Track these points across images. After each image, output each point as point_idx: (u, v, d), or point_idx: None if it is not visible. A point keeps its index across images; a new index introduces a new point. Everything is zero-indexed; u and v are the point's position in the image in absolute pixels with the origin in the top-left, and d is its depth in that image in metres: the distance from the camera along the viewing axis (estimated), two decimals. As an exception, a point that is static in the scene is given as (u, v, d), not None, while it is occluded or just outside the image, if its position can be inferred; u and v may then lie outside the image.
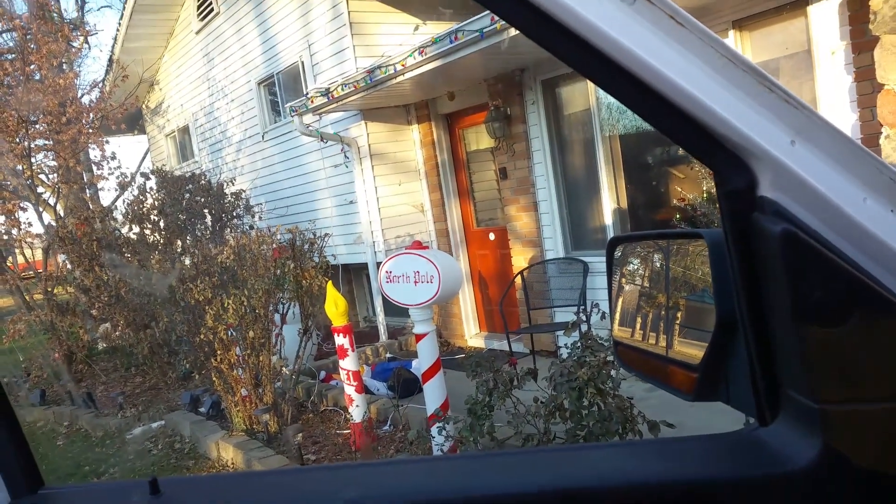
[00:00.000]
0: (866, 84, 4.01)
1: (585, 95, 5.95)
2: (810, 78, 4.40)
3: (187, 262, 5.76)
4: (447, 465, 0.83)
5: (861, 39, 4.01)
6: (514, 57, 5.69)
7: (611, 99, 5.79)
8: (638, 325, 1.04)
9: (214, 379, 5.42)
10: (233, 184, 9.10)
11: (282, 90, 8.96)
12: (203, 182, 8.82)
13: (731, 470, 0.71)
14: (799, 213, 0.65)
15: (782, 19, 4.53)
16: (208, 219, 8.57)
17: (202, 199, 8.57)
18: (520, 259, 6.71)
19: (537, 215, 6.50)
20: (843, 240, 0.65)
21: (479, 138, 7.18)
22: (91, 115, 10.67)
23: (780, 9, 4.48)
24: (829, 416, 0.64)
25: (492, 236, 7.34)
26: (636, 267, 1.11)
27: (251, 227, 8.15)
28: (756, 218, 0.67)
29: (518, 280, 6.57)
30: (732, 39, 4.73)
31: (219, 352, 5.20)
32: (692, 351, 0.87)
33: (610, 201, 5.97)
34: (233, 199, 8.75)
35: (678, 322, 0.93)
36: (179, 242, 8.02)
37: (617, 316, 1.09)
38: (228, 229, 8.48)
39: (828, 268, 0.64)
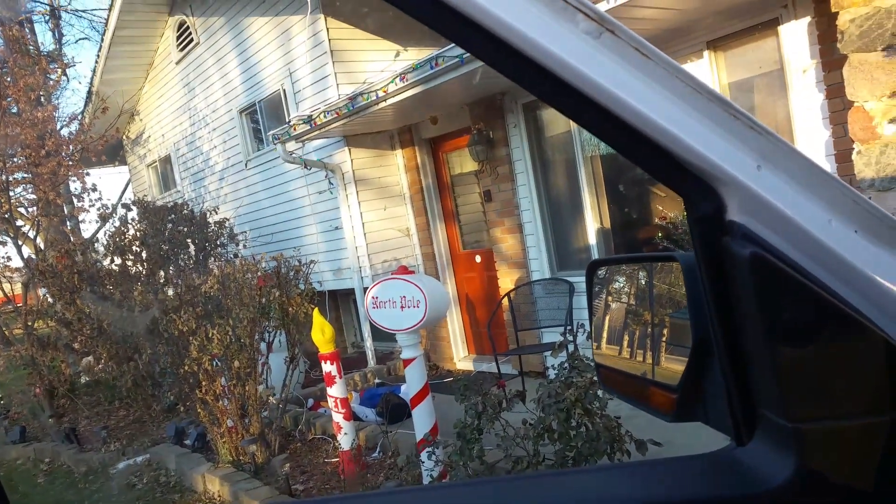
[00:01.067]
0: (837, 101, 4.10)
1: (565, 118, 6.01)
2: (784, 96, 4.49)
3: (170, 292, 5.71)
4: (425, 496, 0.83)
5: (831, 58, 4.10)
6: (495, 81, 5.75)
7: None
8: (618, 348, 1.05)
9: (199, 410, 5.35)
10: (216, 212, 9.06)
11: (264, 118, 8.99)
12: (185, 211, 8.77)
13: (709, 490, 0.72)
14: (767, 235, 0.67)
15: (755, 39, 4.63)
16: (191, 248, 8.52)
17: (185, 229, 8.52)
18: (506, 280, 6.72)
19: (522, 237, 6.53)
20: (810, 261, 0.67)
21: (463, 162, 7.23)
22: (70, 147, 10.63)
23: (753, 29, 4.57)
24: (803, 435, 0.66)
25: (478, 258, 7.36)
26: (615, 290, 1.13)
27: (235, 256, 8.11)
28: (726, 242, 0.68)
29: (505, 302, 6.58)
30: (707, 60, 4.82)
31: (204, 382, 5.14)
32: (671, 372, 0.88)
33: (593, 221, 6.01)
34: (216, 228, 8.71)
35: (657, 344, 0.94)
36: (162, 273, 7.96)
37: (597, 338, 1.10)
38: (212, 258, 8.43)
39: (796, 289, 0.65)
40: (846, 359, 0.66)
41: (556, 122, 6.19)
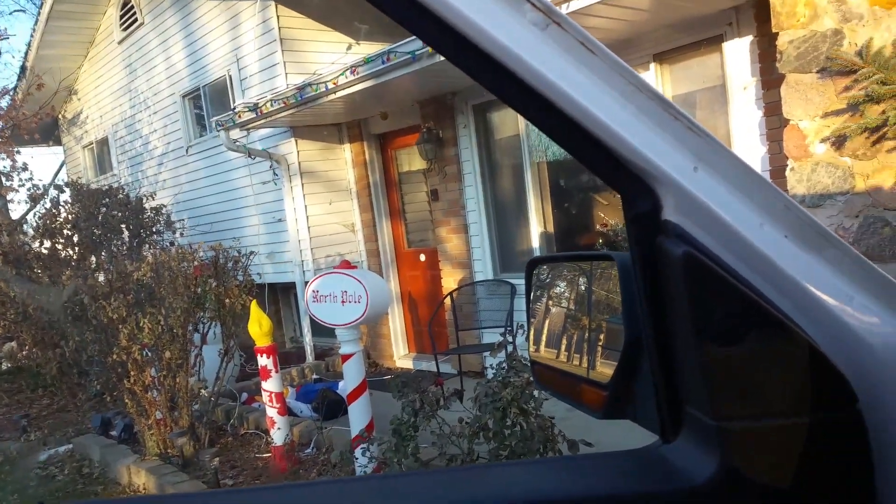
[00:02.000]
0: (775, 119, 4.25)
1: (515, 121, 6.06)
2: (725, 111, 4.63)
3: (101, 278, 5.49)
4: (355, 488, 0.82)
5: (770, 77, 4.25)
6: (446, 80, 5.76)
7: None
8: (553, 345, 1.06)
9: (127, 401, 5.17)
10: (153, 198, 8.79)
11: (208, 104, 8.76)
12: (121, 196, 8.48)
13: (634, 486, 0.72)
14: (700, 236, 0.68)
15: (700, 54, 4.76)
16: (126, 234, 8.24)
17: (120, 214, 8.24)
18: (450, 280, 6.73)
19: (467, 237, 6.55)
20: (741, 262, 0.68)
21: (412, 160, 7.21)
22: (0, 122, 10.12)
23: (698, 44, 4.70)
24: (727, 433, 0.66)
25: (422, 257, 7.34)
26: (553, 288, 1.13)
27: (172, 244, 7.88)
28: (660, 241, 0.69)
29: (447, 301, 6.58)
30: (653, 72, 4.93)
31: (132, 372, 4.97)
32: (604, 370, 0.89)
33: (537, 225, 6.08)
34: (153, 215, 8.45)
35: (591, 342, 0.95)
36: (94, 258, 7.67)
37: (534, 336, 1.10)
38: (147, 245, 8.18)
39: (725, 290, 0.66)
40: (771, 360, 0.67)
41: (505, 125, 6.23)
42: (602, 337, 0.91)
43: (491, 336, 6.12)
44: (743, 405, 0.67)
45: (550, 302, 1.12)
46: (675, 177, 0.68)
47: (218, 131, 7.41)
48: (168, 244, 8.01)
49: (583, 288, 1.03)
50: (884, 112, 3.52)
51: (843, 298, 0.69)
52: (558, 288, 1.13)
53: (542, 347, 1.08)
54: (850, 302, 0.69)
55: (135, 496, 4.60)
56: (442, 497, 0.75)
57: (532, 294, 1.12)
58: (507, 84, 0.66)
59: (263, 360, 4.67)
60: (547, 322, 1.09)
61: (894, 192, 3.63)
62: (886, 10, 3.55)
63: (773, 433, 0.67)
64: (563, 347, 1.02)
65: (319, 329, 7.06)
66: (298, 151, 7.41)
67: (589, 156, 0.69)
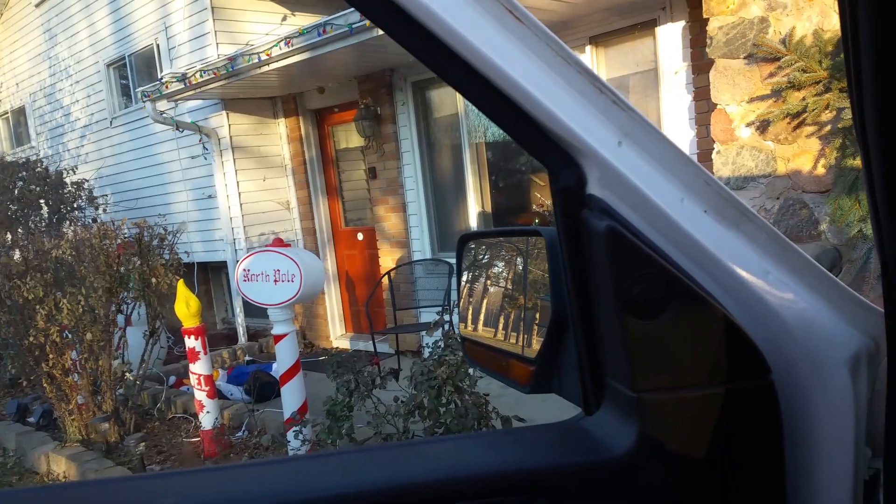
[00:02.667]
0: (703, 103, 4.37)
1: (454, 100, 6.04)
2: (656, 95, 4.73)
3: (17, 256, 5.21)
4: (276, 469, 0.79)
5: (700, 62, 4.36)
6: (385, 56, 5.67)
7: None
8: (483, 321, 1.05)
9: (46, 385, 4.93)
10: (74, 172, 8.39)
11: (134, 74, 8.38)
12: (40, 169, 8.06)
13: (556, 458, 0.72)
14: (623, 210, 0.68)
15: (634, 38, 4.84)
16: (44, 210, 7.84)
17: (38, 188, 7.83)
18: (388, 259, 6.69)
19: (406, 216, 6.52)
20: (662, 237, 0.68)
21: (349, 136, 7.10)
22: None
23: (633, 28, 4.78)
24: (645, 404, 0.67)
25: (360, 236, 7.27)
26: (483, 264, 1.13)
27: (94, 220, 7.55)
28: (585, 215, 0.68)
29: (385, 280, 6.55)
30: (589, 55, 4.99)
31: (51, 356, 4.75)
32: (532, 346, 0.89)
33: (475, 205, 6.10)
34: (74, 189, 8.06)
35: (520, 318, 0.95)
36: (9, 235, 7.28)
37: (464, 312, 1.10)
38: (67, 222, 7.81)
39: (646, 264, 0.67)
40: (689, 333, 0.68)
41: (444, 103, 6.20)
42: (530, 313, 0.91)
43: (428, 315, 6.13)
44: (661, 377, 0.68)
45: (481, 278, 1.12)
46: (599, 151, 0.67)
47: (144, 102, 7.10)
48: (90, 221, 7.67)
49: (512, 264, 1.03)
50: (804, 99, 3.67)
51: (760, 273, 0.70)
52: (488, 264, 1.13)
53: (472, 323, 1.07)
54: (765, 276, 0.70)
55: (55, 483, 4.42)
56: (371, 474, 0.74)
57: (462, 270, 1.11)
58: (434, 50, 0.64)
59: (191, 342, 4.55)
60: (477, 298, 1.09)
61: (812, 175, 3.80)
62: (808, 1, 3.69)
63: (690, 404, 0.68)
64: (493, 323, 1.02)
65: (252, 310, 6.91)
66: (230, 125, 7.18)
67: (516, 127, 0.68)
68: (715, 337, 0.68)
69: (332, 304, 7.55)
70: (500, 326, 1.00)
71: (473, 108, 5.75)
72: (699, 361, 0.68)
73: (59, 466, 4.64)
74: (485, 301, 1.08)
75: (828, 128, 3.68)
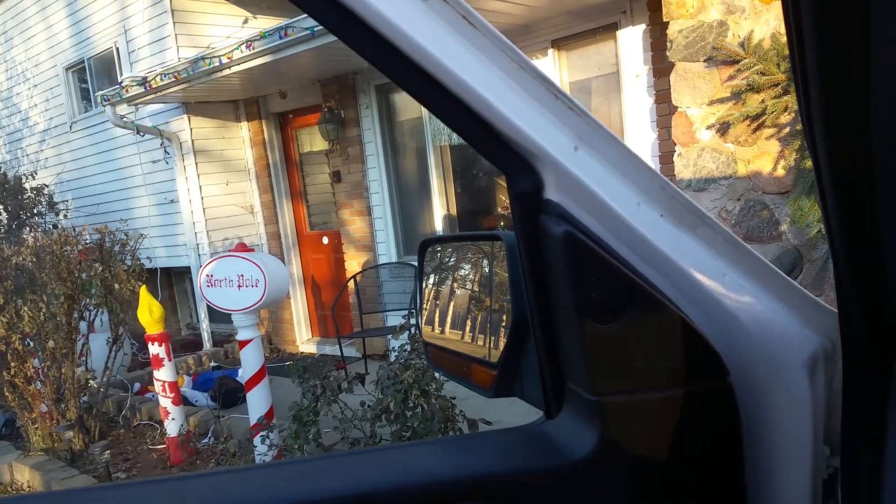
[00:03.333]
0: (664, 106, 4.44)
1: (418, 104, 6.01)
2: (618, 98, 4.79)
3: (-26, 264, 5.07)
4: (238, 477, 0.78)
5: (661, 65, 4.43)
6: (347, 59, 5.65)
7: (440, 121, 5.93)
8: (446, 326, 1.05)
9: (8, 394, 4.83)
10: (34, 178, 8.18)
11: (94, 77, 8.21)
12: (-3, 175, 7.85)
13: (518, 463, 0.73)
14: (580, 215, 0.68)
15: (596, 41, 4.89)
16: (3, 216, 7.64)
17: (-5, 194, 7.62)
18: (353, 263, 6.66)
19: (371, 220, 6.49)
20: (619, 241, 0.69)
21: (313, 140, 7.04)
22: None
23: (595, 31, 4.83)
24: (605, 408, 0.68)
25: (325, 240, 7.22)
26: (448, 267, 1.13)
27: (55, 226, 7.37)
28: (542, 220, 0.69)
29: (351, 284, 6.51)
30: (552, 58, 5.03)
31: (13, 364, 4.65)
32: (494, 350, 0.89)
33: (441, 208, 6.10)
34: (33, 195, 7.87)
35: (482, 322, 0.95)
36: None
37: (427, 317, 1.10)
38: (27, 228, 7.61)
39: (604, 268, 0.67)
40: (648, 336, 0.69)
41: (408, 107, 6.20)
42: (496, 315, 0.91)
43: (395, 319, 6.10)
44: (620, 380, 0.68)
45: (442, 283, 1.12)
46: (556, 156, 0.68)
47: (104, 106, 6.95)
48: (51, 227, 7.49)
49: (478, 267, 1.03)
50: (763, 101, 3.75)
51: (716, 276, 0.71)
52: (453, 267, 1.13)
53: (436, 328, 1.07)
54: (722, 279, 0.71)
55: (17, 495, 4.30)
56: (334, 481, 0.73)
57: (425, 275, 1.11)
58: (389, 57, 0.64)
59: (155, 349, 4.47)
60: (439, 303, 1.09)
61: (772, 177, 3.89)
62: (765, 5, 3.77)
63: (649, 406, 0.69)
64: (456, 328, 1.02)
65: (217, 315, 6.82)
66: (192, 129, 7.07)
67: (473, 134, 0.68)
68: (673, 340, 0.69)
69: (298, 309, 7.48)
70: (467, 329, 1.01)
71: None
72: (658, 364, 0.69)
73: (23, 475, 4.54)
74: (446, 306, 1.08)
75: (787, 130, 3.77)
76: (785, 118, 3.73)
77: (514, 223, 0.73)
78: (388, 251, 6.47)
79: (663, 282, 0.70)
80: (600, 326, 0.67)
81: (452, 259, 1.12)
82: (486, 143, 0.69)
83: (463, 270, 1.09)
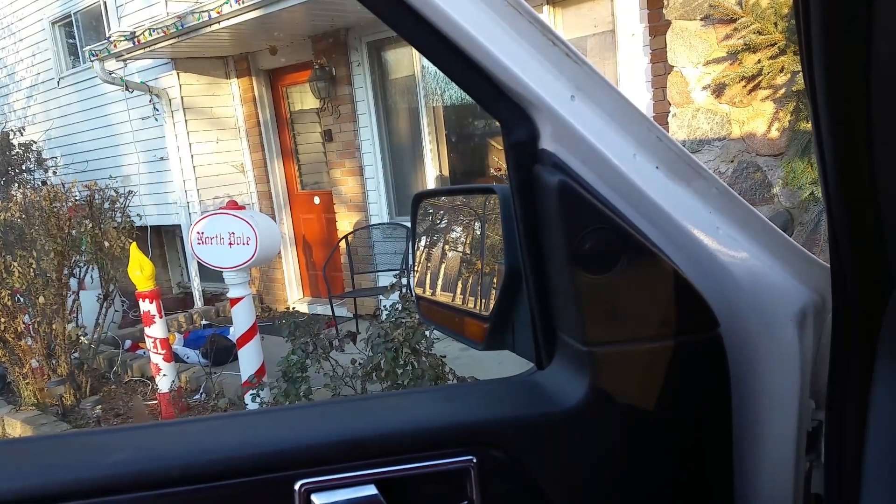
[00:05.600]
0: (660, 66, 4.39)
1: (411, 61, 5.95)
2: (613, 57, 4.73)
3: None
4: (228, 422, 0.79)
5: (657, 23, 4.37)
6: (339, 14, 5.54)
7: (435, 68, 5.85)
8: (438, 279, 1.05)
9: (-2, 350, 4.85)
10: (21, 134, 8.06)
11: (81, 32, 8.03)
12: (-17, 130, 7.73)
13: (509, 411, 0.73)
14: (575, 165, 0.68)
15: (592, -1, 4.81)
16: (-10, 172, 7.55)
17: (-18, 150, 7.52)
18: (345, 223, 6.64)
19: (363, 180, 6.45)
20: (614, 192, 0.68)
21: (304, 98, 6.95)
22: None
23: (591, -12, 4.74)
24: (596, 358, 0.68)
25: (317, 200, 7.18)
26: (437, 222, 1.12)
27: (43, 183, 7.29)
28: (537, 169, 0.68)
29: (342, 244, 6.50)
30: (547, 15, 4.95)
31: (3, 319, 4.66)
32: (486, 303, 0.89)
33: (433, 168, 6.06)
34: (21, 152, 7.77)
35: (475, 275, 0.95)
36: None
37: (419, 270, 1.09)
38: (16, 184, 7.53)
39: (598, 219, 0.67)
40: (639, 287, 0.69)
41: (400, 65, 6.11)
42: (487, 277, 0.91)
43: (386, 279, 6.12)
44: (612, 330, 0.69)
45: (435, 236, 1.11)
46: (552, 105, 0.67)
47: (92, 62, 6.82)
48: (40, 183, 7.42)
49: (470, 228, 1.02)
50: (759, 61, 3.72)
51: (710, 229, 0.71)
52: (446, 228, 1.12)
53: (428, 281, 1.07)
54: (715, 232, 0.71)
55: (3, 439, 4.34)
56: (322, 427, 0.74)
57: (417, 228, 1.10)
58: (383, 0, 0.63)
59: (146, 306, 4.47)
60: (432, 256, 1.09)
61: (766, 138, 3.87)
62: (765, -37, 3.70)
63: (640, 356, 0.69)
64: (447, 281, 1.02)
65: (208, 273, 6.81)
66: (181, 85, 6.95)
67: (468, 80, 0.67)
68: (665, 291, 0.69)
69: (290, 269, 7.48)
70: (455, 284, 1.01)
71: (431, 69, 5.64)
72: (649, 315, 0.69)
73: (15, 430, 4.58)
74: (439, 259, 1.08)
75: (782, 91, 3.74)
76: (781, 79, 3.70)
77: (508, 173, 0.72)
78: (379, 211, 6.44)
79: (657, 233, 0.70)
80: (593, 277, 0.67)
81: (448, 218, 1.12)
82: (481, 91, 0.67)
83: (456, 228, 1.08)
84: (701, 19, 3.93)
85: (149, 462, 0.68)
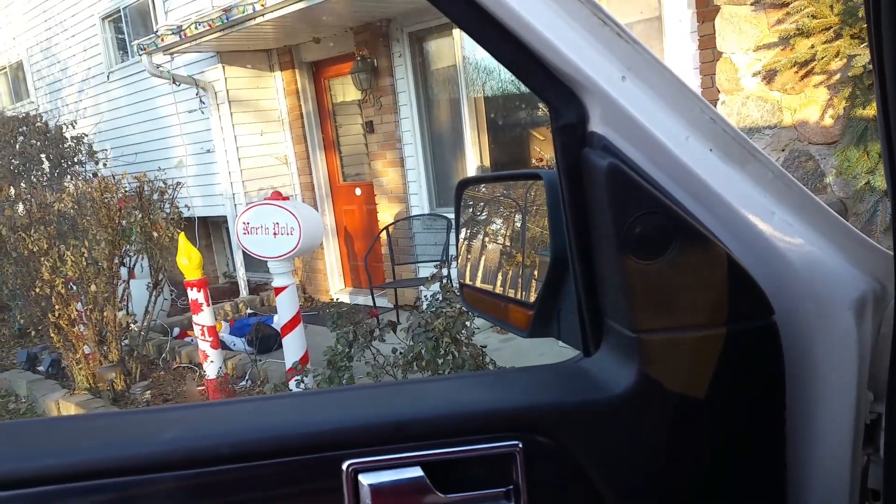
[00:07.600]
0: (708, 52, 4.28)
1: (452, 52, 5.93)
2: (660, 44, 4.63)
3: (21, 209, 5.22)
4: (277, 403, 0.80)
5: (705, 9, 4.26)
6: (381, 5, 5.56)
7: (477, 57, 5.82)
8: (482, 266, 1.05)
9: (53, 336, 5.03)
10: (73, 127, 8.31)
11: (129, 27, 8.23)
12: (40, 124, 7.99)
13: (554, 397, 0.72)
14: (626, 148, 0.66)
15: (638, -15, 4.71)
16: (45, 164, 7.80)
17: (38, 143, 7.78)
18: (386, 215, 6.67)
19: (404, 171, 6.47)
20: (665, 175, 0.67)
21: (346, 90, 6.99)
22: None
23: (638, -26, 4.65)
24: (645, 345, 0.67)
25: (358, 191, 7.23)
26: (482, 209, 1.12)
27: (94, 175, 7.52)
28: (586, 153, 0.67)
29: (383, 236, 6.54)
30: None
31: (57, 307, 4.81)
32: (531, 291, 0.89)
33: (474, 159, 6.04)
34: (73, 144, 8.01)
35: (519, 262, 0.94)
36: (12, 189, 7.26)
37: (463, 257, 1.09)
38: (68, 176, 7.78)
39: (649, 202, 0.65)
40: (691, 273, 0.67)
41: (442, 55, 6.09)
42: (528, 270, 0.90)
43: (427, 270, 6.14)
44: (661, 317, 0.67)
45: (480, 223, 1.11)
46: (602, 86, 0.65)
47: (140, 56, 6.99)
48: (91, 175, 7.65)
49: (511, 220, 1.02)
50: (813, 46, 3.60)
51: (764, 213, 0.69)
52: (487, 209, 1.12)
53: (471, 268, 1.07)
54: (770, 217, 0.69)
55: (61, 416, 4.51)
56: (369, 409, 0.74)
57: (461, 218, 1.10)
58: None
59: (194, 294, 4.57)
60: (475, 242, 1.08)
61: (819, 126, 3.75)
62: (819, -56, 3.57)
63: (691, 344, 0.68)
64: (492, 268, 1.02)
65: (253, 263, 6.93)
66: (226, 78, 7.07)
67: (515, 61, 0.66)
68: (717, 277, 0.67)
69: (331, 259, 7.56)
70: (499, 271, 1.00)
71: (472, 59, 5.60)
72: (701, 302, 0.67)
73: (69, 412, 4.74)
74: (483, 246, 1.07)
75: (837, 76, 3.61)
76: (836, 64, 3.58)
77: (555, 156, 0.71)
78: (420, 203, 6.46)
79: (710, 218, 0.68)
80: (643, 263, 0.65)
81: (490, 210, 1.11)
82: (528, 72, 0.66)
83: (499, 211, 1.07)
84: (751, 4, 3.81)
85: (200, 440, 0.69)
